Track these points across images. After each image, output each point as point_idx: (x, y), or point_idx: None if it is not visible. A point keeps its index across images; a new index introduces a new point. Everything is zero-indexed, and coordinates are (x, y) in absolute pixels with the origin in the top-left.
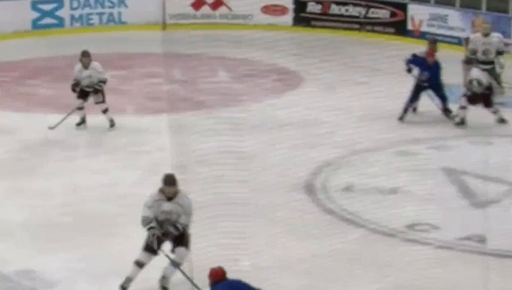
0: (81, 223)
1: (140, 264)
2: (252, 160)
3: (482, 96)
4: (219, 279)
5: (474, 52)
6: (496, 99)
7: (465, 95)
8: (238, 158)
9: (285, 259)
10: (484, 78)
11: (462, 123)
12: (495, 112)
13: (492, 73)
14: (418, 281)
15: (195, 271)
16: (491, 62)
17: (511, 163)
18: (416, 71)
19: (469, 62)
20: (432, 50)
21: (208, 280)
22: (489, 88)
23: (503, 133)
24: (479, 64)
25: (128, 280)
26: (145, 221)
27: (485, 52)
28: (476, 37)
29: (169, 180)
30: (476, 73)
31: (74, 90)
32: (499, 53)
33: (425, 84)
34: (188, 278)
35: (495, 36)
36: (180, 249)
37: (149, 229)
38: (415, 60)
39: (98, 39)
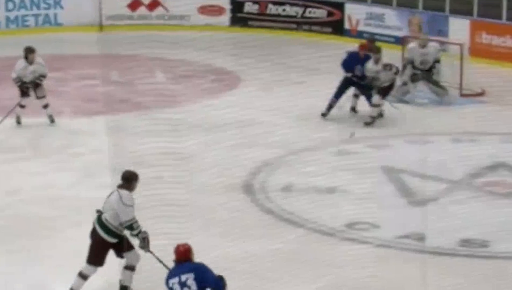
0: (16, 226)
1: (84, 277)
2: (190, 161)
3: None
4: (183, 258)
5: (410, 61)
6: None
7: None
8: (176, 159)
9: (224, 260)
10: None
11: (372, 122)
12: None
13: (431, 80)
14: (358, 280)
15: (135, 272)
16: (429, 70)
17: (448, 161)
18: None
19: (416, 79)
20: (367, 45)
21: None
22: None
23: (441, 131)
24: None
25: None
26: (136, 224)
27: (422, 62)
28: (413, 48)
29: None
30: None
31: (20, 88)
32: (437, 61)
33: (355, 80)
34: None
35: (432, 47)
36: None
37: (140, 232)
38: (349, 57)
39: (34, 41)
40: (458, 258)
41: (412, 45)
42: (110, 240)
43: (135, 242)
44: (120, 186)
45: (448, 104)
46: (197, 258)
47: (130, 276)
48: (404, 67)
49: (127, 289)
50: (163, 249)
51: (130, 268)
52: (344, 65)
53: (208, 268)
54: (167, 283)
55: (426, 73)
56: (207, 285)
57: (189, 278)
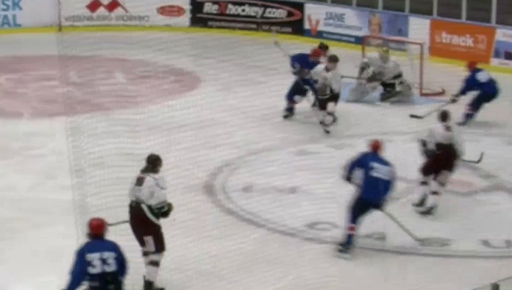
0: None
1: (157, 264)
2: None
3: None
4: (99, 233)
5: (368, 65)
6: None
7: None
8: (135, 160)
9: (186, 260)
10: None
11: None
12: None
13: (393, 92)
14: (319, 279)
15: None
16: (390, 85)
17: (409, 160)
18: (297, 67)
19: (373, 79)
20: (319, 51)
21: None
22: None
23: (401, 131)
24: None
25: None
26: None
27: (379, 74)
28: (374, 58)
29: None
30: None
31: None
32: (397, 76)
33: (304, 81)
34: None
35: (392, 62)
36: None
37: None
38: (299, 56)
39: None
40: (419, 257)
41: (373, 54)
42: (158, 223)
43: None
44: (146, 170)
45: (411, 103)
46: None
47: (155, 272)
48: (362, 69)
49: (152, 285)
50: (124, 251)
51: (155, 263)
52: (292, 59)
53: (122, 249)
54: (82, 256)
55: (388, 86)
56: (122, 268)
57: (110, 257)
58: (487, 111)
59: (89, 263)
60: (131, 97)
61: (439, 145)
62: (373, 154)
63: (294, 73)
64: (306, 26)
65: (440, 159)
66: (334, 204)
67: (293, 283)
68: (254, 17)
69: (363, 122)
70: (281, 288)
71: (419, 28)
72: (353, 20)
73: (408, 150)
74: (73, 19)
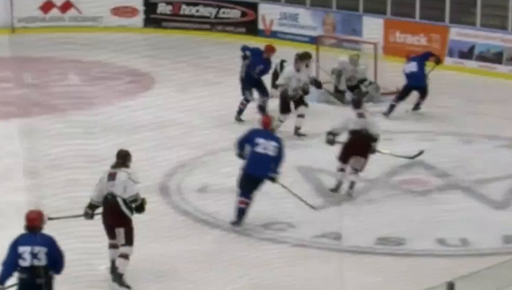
0: None
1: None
2: (105, 163)
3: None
4: (35, 226)
5: (340, 72)
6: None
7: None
8: (90, 161)
9: (141, 262)
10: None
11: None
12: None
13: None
14: (276, 280)
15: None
16: (355, 87)
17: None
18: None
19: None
20: (272, 47)
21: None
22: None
23: None
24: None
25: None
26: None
27: (350, 79)
28: (344, 62)
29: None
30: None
31: None
32: (362, 81)
33: (254, 77)
34: None
35: (362, 65)
36: None
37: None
38: (253, 49)
39: None
40: (376, 256)
41: (343, 59)
42: (131, 217)
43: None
44: (117, 165)
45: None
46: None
47: (125, 264)
48: (338, 76)
49: (122, 277)
50: (79, 253)
51: (125, 256)
52: (243, 49)
53: (58, 245)
54: (15, 248)
55: (354, 88)
56: (55, 264)
57: (41, 252)
58: (443, 109)
59: (20, 256)
60: (86, 98)
61: (353, 132)
62: (262, 130)
63: (244, 58)
64: (260, 26)
65: (355, 145)
66: (290, 204)
67: (250, 284)
68: (208, 17)
69: (320, 121)
70: (238, 289)
71: (373, 27)
72: (307, 20)
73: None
74: (26, 21)
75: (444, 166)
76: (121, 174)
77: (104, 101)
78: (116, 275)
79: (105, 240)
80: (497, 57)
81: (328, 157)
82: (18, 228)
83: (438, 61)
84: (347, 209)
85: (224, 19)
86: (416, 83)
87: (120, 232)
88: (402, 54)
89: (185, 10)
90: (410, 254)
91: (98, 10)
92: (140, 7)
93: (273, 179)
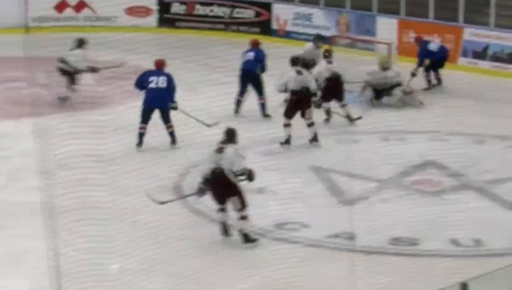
0: None
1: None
2: (116, 163)
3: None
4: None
5: (370, 84)
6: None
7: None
8: (101, 161)
9: (152, 261)
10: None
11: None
12: (343, 106)
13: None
14: (287, 279)
15: (62, 276)
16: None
17: (377, 160)
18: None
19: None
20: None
21: None
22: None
23: (369, 130)
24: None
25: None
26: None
27: (382, 85)
28: (375, 72)
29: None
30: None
31: None
32: (397, 85)
33: (248, 73)
34: None
35: (392, 71)
36: None
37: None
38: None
39: None
40: (388, 256)
41: (373, 68)
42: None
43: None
44: (225, 141)
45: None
46: (125, 260)
47: (247, 225)
48: (364, 88)
49: (248, 236)
50: (91, 252)
51: (245, 217)
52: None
53: None
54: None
55: (387, 91)
56: None
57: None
58: (456, 109)
59: None
60: (98, 98)
61: (294, 91)
62: (154, 70)
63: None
64: (274, 26)
65: (298, 102)
66: (302, 204)
67: (260, 283)
68: (222, 17)
69: (332, 121)
70: (249, 288)
71: (386, 27)
72: (321, 20)
73: (375, 150)
74: (40, 20)
75: (456, 166)
76: (229, 149)
77: (116, 100)
78: (243, 236)
79: (113, 240)
80: (510, 58)
81: (340, 157)
82: (27, 228)
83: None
84: (360, 209)
85: (238, 19)
86: (443, 56)
87: (235, 200)
88: (416, 55)
89: (199, 10)
90: (422, 254)
91: (112, 9)
92: (154, 7)
93: (174, 108)
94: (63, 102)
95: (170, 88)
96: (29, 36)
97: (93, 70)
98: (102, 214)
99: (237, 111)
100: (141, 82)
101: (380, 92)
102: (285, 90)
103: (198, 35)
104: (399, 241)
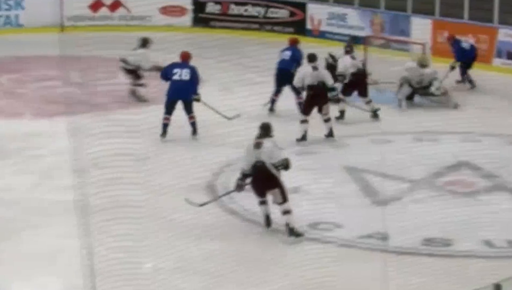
0: None
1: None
2: (150, 161)
3: (356, 83)
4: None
5: (407, 80)
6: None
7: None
8: (133, 160)
9: (185, 260)
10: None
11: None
12: (368, 102)
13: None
14: (320, 279)
15: (96, 274)
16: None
17: (410, 160)
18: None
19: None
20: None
21: None
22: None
23: (403, 131)
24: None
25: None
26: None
27: (419, 82)
28: (413, 68)
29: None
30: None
31: None
32: (433, 80)
33: (283, 73)
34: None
35: (430, 68)
36: None
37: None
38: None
39: None
40: (420, 257)
41: (411, 64)
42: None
43: None
44: (261, 136)
45: (454, 108)
46: (159, 258)
47: (291, 218)
48: (401, 85)
49: (294, 229)
50: (125, 251)
51: (288, 211)
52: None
53: None
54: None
55: (423, 89)
56: None
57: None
58: (489, 110)
59: None
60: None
61: (310, 86)
62: (179, 63)
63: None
64: (308, 26)
65: (315, 97)
66: (336, 204)
67: (294, 283)
68: (257, 17)
69: (366, 121)
70: (281, 288)
71: (421, 28)
72: (355, 20)
73: (408, 150)
74: (75, 19)
75: (490, 167)
76: (267, 143)
77: (150, 99)
78: (289, 230)
79: (146, 239)
80: None
81: (374, 157)
82: (61, 227)
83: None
84: (393, 210)
85: (272, 19)
86: (473, 55)
87: (276, 192)
88: (450, 55)
89: (234, 9)
90: (455, 255)
91: (147, 9)
92: (189, 6)
93: (196, 100)
94: (135, 97)
95: (193, 80)
96: (64, 35)
97: (157, 69)
98: (135, 213)
99: (271, 110)
100: (166, 74)
101: (414, 92)
102: (302, 86)
103: (232, 35)
104: (432, 242)
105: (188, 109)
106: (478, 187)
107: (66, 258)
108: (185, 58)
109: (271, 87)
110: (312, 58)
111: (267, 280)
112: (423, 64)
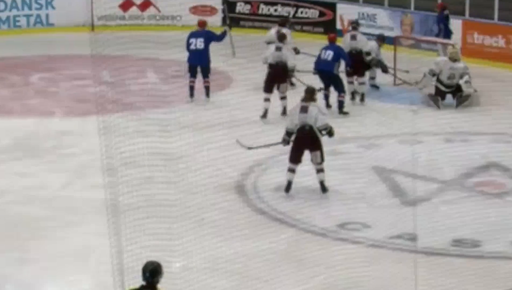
0: (6, 226)
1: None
2: (181, 161)
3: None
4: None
5: (434, 74)
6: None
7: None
8: (166, 159)
9: (216, 260)
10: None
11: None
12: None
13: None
14: (349, 280)
15: (125, 273)
16: (454, 86)
17: (440, 161)
18: None
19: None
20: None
21: None
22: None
23: (433, 131)
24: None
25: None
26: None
27: (450, 77)
28: (443, 61)
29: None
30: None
31: None
32: (464, 75)
33: (324, 74)
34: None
35: (462, 63)
36: None
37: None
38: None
39: (25, 42)
40: (450, 258)
41: (442, 58)
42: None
43: None
44: (307, 100)
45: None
46: (189, 258)
47: (324, 176)
48: (424, 75)
49: (324, 184)
50: (154, 250)
51: (322, 170)
52: None
53: None
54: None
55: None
56: None
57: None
58: None
59: None
60: (162, 96)
61: (270, 65)
62: (195, 31)
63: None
64: (338, 26)
65: (273, 75)
66: (365, 204)
67: (324, 283)
68: (287, 17)
69: (395, 121)
70: (311, 288)
71: (451, 28)
72: (385, 20)
73: (439, 151)
74: (106, 19)
75: None
76: (312, 108)
77: (180, 99)
78: (321, 185)
79: (177, 238)
80: None
81: (403, 157)
82: (92, 225)
83: None
84: (422, 210)
85: (302, 19)
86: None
87: (317, 154)
88: (480, 56)
89: (264, 9)
90: (485, 256)
91: (177, 9)
92: (219, 6)
93: (204, 68)
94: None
95: (208, 46)
96: (94, 35)
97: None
98: (166, 212)
99: (328, 105)
100: (187, 45)
101: (443, 92)
102: (265, 63)
103: (262, 35)
104: (461, 243)
105: (204, 74)
106: (508, 188)
107: (97, 256)
108: (201, 25)
109: (301, 86)
110: (280, 38)
111: (297, 280)
112: (455, 59)
